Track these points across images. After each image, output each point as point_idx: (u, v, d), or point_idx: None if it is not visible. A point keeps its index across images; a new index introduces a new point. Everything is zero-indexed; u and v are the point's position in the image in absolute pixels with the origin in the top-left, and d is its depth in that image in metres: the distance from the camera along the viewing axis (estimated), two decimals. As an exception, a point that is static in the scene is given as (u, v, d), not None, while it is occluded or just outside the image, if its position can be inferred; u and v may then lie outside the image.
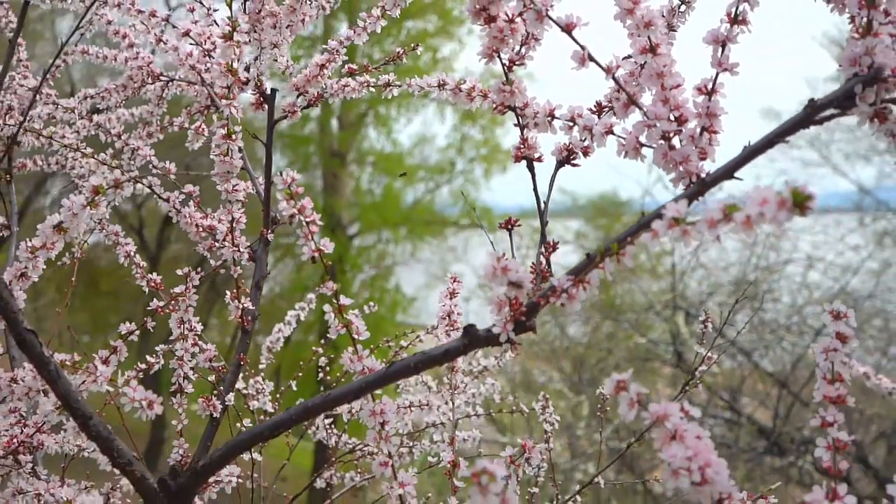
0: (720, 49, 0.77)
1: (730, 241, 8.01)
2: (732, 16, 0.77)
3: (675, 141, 0.77)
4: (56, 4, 1.37)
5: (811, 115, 0.70)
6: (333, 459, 1.80)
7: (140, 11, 1.34)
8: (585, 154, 0.91)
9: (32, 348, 0.85)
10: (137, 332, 1.12)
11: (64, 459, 1.32)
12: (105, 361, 0.98)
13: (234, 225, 1.20)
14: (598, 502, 6.37)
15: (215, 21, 1.26)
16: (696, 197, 0.75)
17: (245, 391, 1.68)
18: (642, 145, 0.80)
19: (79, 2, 1.38)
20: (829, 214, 8.76)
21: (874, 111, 0.69)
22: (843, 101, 0.69)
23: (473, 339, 0.76)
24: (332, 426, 1.89)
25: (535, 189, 0.91)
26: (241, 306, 1.22)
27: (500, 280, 0.72)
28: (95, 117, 1.47)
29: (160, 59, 1.58)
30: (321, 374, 2.03)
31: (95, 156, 1.46)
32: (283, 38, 1.25)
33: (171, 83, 1.46)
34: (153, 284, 1.28)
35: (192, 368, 1.21)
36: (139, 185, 1.40)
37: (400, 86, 1.35)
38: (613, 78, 0.82)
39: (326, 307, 0.89)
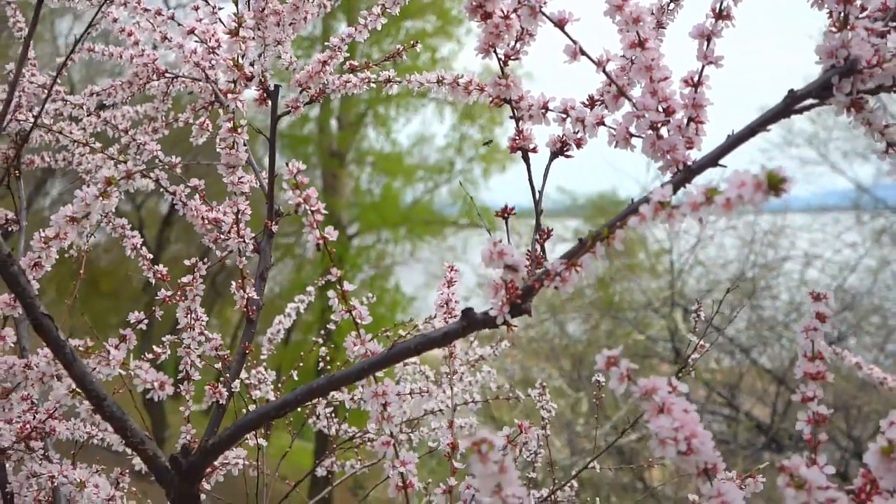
0: (706, 43, 0.81)
1: (728, 238, 8.06)
2: (717, 11, 0.80)
3: (664, 131, 0.81)
4: (64, 4, 1.40)
5: (790, 104, 0.73)
6: (334, 447, 1.84)
7: (146, 10, 1.37)
8: (578, 146, 0.95)
9: (49, 332, 0.88)
10: (146, 322, 1.16)
11: (74, 446, 1.35)
12: (116, 347, 1.02)
13: (239, 217, 1.23)
14: (598, 499, 6.39)
15: (219, 19, 1.30)
16: (683, 184, 0.78)
17: (248, 381, 1.72)
18: (632, 135, 0.84)
19: (86, 2, 1.42)
20: (827, 212, 8.81)
21: (851, 101, 0.73)
22: (821, 92, 0.73)
23: (471, 321, 0.79)
24: (333, 415, 1.93)
25: (530, 179, 0.95)
26: (246, 296, 1.26)
27: (497, 264, 0.75)
28: (102, 113, 1.51)
29: (164, 56, 1.61)
30: (321, 365, 2.06)
31: (104, 151, 1.49)
32: (287, 36, 1.28)
33: (175, 80, 1.50)
34: (160, 275, 1.32)
35: (198, 356, 1.25)
36: (142, 182, 1.43)
37: (400, 82, 1.39)
38: (604, 71, 0.86)
39: (330, 293, 0.93)
